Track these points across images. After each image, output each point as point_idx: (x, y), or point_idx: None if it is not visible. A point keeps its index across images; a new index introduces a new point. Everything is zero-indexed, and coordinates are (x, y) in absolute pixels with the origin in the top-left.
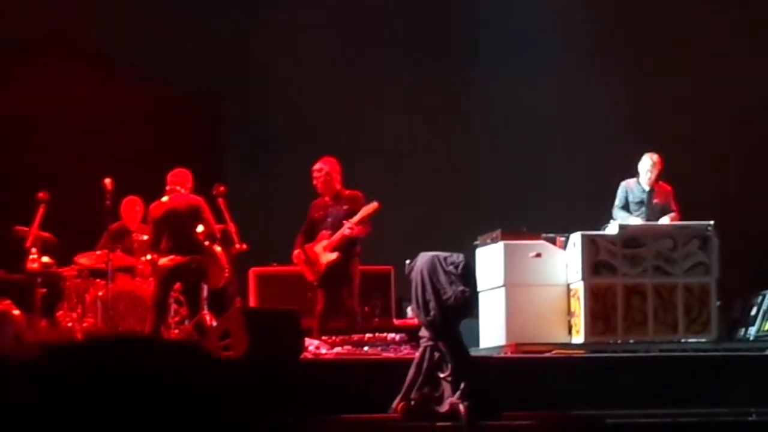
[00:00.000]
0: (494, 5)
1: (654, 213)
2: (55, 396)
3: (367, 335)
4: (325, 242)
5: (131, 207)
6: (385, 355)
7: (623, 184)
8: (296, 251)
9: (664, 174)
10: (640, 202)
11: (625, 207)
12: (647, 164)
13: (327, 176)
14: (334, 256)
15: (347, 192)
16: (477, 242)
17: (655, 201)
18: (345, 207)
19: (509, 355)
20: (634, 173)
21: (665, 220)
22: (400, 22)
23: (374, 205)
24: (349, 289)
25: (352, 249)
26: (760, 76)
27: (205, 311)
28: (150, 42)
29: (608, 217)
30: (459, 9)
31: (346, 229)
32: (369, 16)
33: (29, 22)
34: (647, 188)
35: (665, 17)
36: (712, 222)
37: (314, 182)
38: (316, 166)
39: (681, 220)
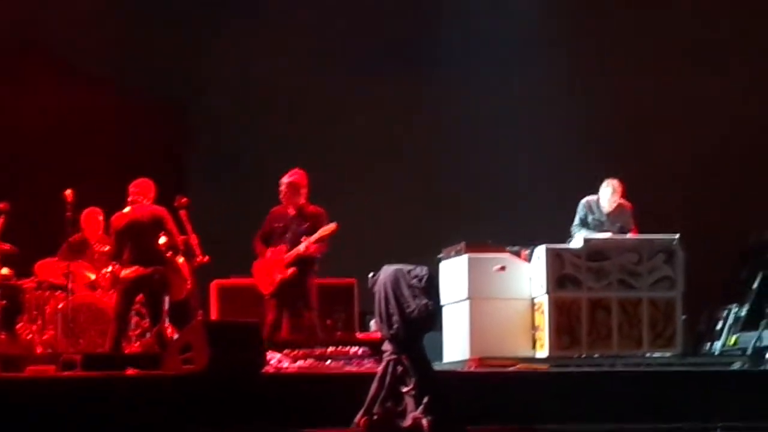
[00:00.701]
0: (459, 14)
1: (613, 234)
2: None
3: (330, 349)
4: (281, 257)
5: (92, 218)
6: (347, 368)
7: (584, 202)
8: (257, 262)
9: (628, 189)
10: (599, 224)
11: (585, 225)
12: (607, 192)
13: (294, 188)
14: (288, 272)
15: (311, 208)
16: (441, 255)
17: (614, 223)
18: (306, 224)
19: (473, 369)
20: (598, 187)
21: None
22: (365, 33)
23: (332, 226)
24: (305, 303)
25: (309, 266)
26: (726, 89)
27: (167, 324)
28: (111, 51)
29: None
30: (426, 19)
31: (302, 247)
32: (334, 28)
33: None
34: (606, 212)
35: (633, 31)
36: (677, 236)
37: (281, 194)
38: (284, 178)
39: None
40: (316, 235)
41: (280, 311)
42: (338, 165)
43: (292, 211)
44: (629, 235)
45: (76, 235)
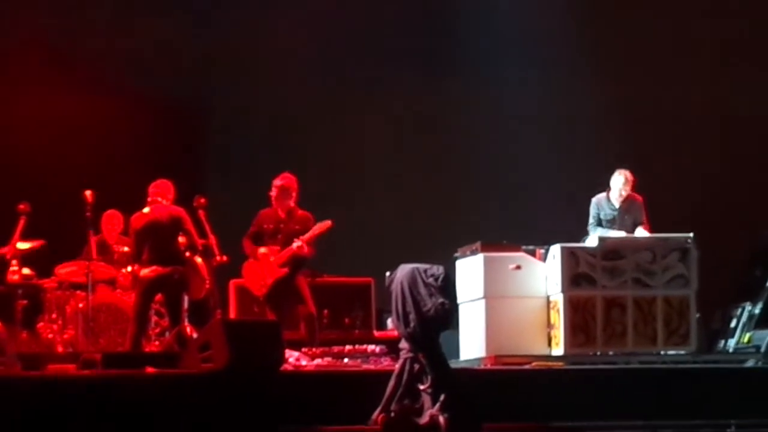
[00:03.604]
0: (472, 17)
1: (626, 228)
2: None
3: (348, 347)
4: (273, 258)
5: (110, 221)
6: (365, 366)
7: (594, 200)
8: (248, 263)
9: (643, 186)
10: (612, 220)
11: (599, 222)
12: (619, 181)
13: (285, 191)
14: (281, 272)
15: (300, 212)
16: (457, 254)
17: (626, 216)
18: (297, 227)
19: (489, 367)
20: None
21: (638, 233)
22: (380, 35)
23: (327, 223)
24: (300, 299)
25: (299, 267)
26: (740, 86)
27: (186, 323)
28: (131, 52)
29: (586, 232)
30: (439, 22)
31: (295, 245)
32: (350, 29)
33: (7, 31)
34: (617, 205)
35: (646, 28)
36: (691, 234)
37: (272, 195)
38: (276, 181)
39: (651, 231)
40: (310, 233)
41: (279, 311)
42: (356, 165)
43: (282, 214)
44: (641, 229)
45: (96, 236)
